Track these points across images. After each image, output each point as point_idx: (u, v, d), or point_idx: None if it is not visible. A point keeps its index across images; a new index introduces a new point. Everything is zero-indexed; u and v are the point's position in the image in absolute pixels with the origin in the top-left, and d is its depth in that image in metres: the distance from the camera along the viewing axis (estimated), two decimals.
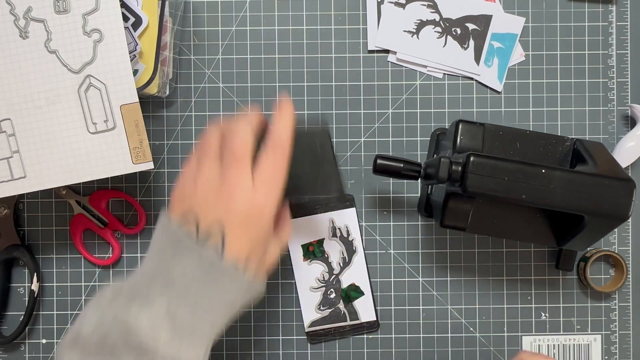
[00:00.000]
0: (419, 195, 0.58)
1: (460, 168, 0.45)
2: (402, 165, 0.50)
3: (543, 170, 0.44)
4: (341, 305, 0.55)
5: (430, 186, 0.56)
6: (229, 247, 0.40)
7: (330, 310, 0.55)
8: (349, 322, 0.55)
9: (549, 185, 0.44)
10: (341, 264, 0.55)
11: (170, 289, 0.40)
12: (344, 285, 0.56)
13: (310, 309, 0.55)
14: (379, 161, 0.50)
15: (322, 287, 0.55)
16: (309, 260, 0.55)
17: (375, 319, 0.56)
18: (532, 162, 0.45)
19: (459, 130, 0.49)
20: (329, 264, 0.55)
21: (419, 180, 0.57)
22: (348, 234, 0.56)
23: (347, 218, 0.56)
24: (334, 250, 0.56)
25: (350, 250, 0.56)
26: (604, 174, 0.45)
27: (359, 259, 0.56)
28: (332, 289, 0.55)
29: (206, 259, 0.40)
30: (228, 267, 0.40)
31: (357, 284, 0.56)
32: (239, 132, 0.43)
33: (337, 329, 0.56)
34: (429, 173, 0.48)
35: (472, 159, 0.44)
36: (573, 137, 0.52)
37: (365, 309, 0.56)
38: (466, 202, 0.48)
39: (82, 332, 0.40)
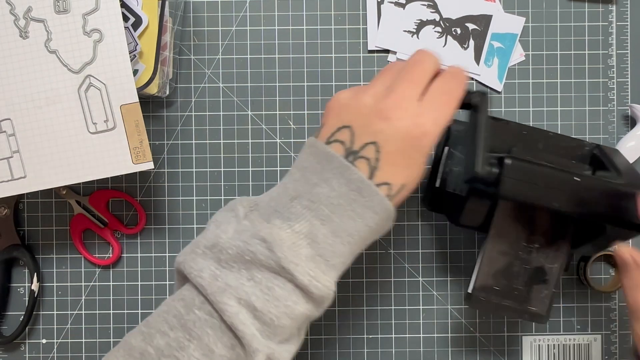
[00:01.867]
0: (418, 193, 0.58)
1: (496, 170, 0.43)
2: None
3: (578, 179, 0.43)
4: (519, 283, 0.48)
5: (438, 178, 0.54)
6: (381, 169, 0.38)
7: (505, 283, 0.47)
8: (516, 304, 0.47)
9: (580, 194, 0.43)
10: (543, 244, 0.48)
11: (315, 210, 0.38)
12: (534, 265, 0.48)
13: (487, 272, 0.47)
14: None
15: (510, 253, 0.48)
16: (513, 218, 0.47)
17: (545, 313, 0.48)
18: (561, 167, 0.44)
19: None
20: (531, 232, 0.48)
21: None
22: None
23: None
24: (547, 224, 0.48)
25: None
26: (631, 184, 0.44)
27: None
28: (518, 262, 0.48)
29: (356, 182, 0.37)
30: (377, 193, 0.38)
31: (546, 270, 0.48)
32: (424, 61, 0.40)
33: (501, 306, 0.48)
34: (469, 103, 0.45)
35: (509, 162, 0.43)
36: (592, 142, 0.51)
37: (540, 299, 0.48)
38: (485, 202, 0.48)
39: (219, 243, 0.38)
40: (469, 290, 0.47)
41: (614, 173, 0.47)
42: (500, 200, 0.47)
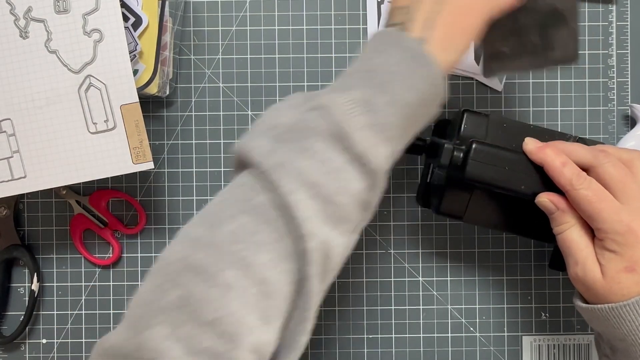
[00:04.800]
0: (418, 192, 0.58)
1: (462, 154, 0.45)
2: None
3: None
4: (532, 34, 0.44)
5: (430, 174, 0.56)
6: (438, 26, 0.38)
7: (516, 40, 0.44)
8: (534, 58, 0.44)
9: (548, 177, 0.44)
10: None
11: (371, 78, 0.37)
12: (544, 10, 0.44)
13: (493, 39, 0.43)
14: None
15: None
16: None
17: (573, 52, 0.44)
18: None
19: (464, 119, 0.50)
20: None
21: (421, 157, 0.57)
22: None
23: None
24: None
25: None
26: None
27: None
28: (525, 13, 0.43)
29: (411, 50, 0.37)
30: (430, 63, 0.37)
31: (560, 9, 0.44)
32: None
33: (520, 65, 0.45)
34: (433, 144, 0.48)
35: (474, 146, 0.44)
36: (576, 135, 0.52)
37: (562, 40, 0.44)
38: (464, 190, 0.49)
39: (277, 120, 0.37)
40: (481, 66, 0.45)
41: None
42: (470, 185, 0.47)
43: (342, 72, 0.40)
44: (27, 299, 0.57)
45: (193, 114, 0.58)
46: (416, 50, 0.38)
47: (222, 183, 0.57)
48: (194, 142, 0.58)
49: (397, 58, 0.37)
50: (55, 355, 0.58)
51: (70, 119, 0.49)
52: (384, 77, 0.37)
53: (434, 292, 0.58)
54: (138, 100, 0.49)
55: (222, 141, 0.58)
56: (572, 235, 0.42)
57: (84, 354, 0.58)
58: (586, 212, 0.41)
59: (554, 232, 0.43)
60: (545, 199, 0.43)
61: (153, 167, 0.50)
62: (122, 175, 0.55)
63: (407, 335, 0.58)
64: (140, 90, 0.50)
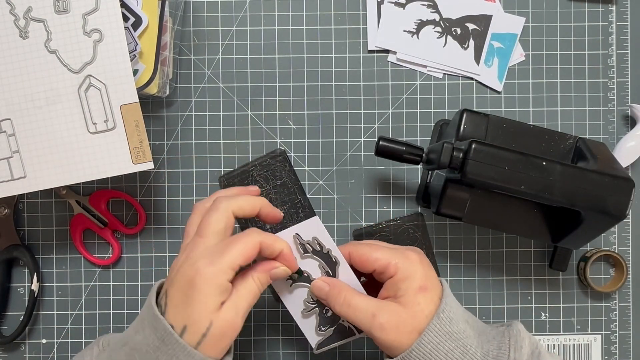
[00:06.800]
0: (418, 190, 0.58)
1: (461, 154, 0.45)
2: (404, 148, 0.50)
3: (544, 163, 0.44)
4: (343, 321, 0.48)
5: (429, 174, 0.56)
6: (167, 312, 0.42)
7: (332, 328, 0.48)
8: (357, 335, 0.48)
9: (548, 177, 0.44)
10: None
11: (131, 356, 0.42)
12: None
13: (311, 333, 0.48)
14: (381, 143, 0.50)
15: (314, 307, 0.47)
16: (290, 284, 0.47)
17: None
18: (533, 154, 0.45)
19: (463, 119, 0.49)
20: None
21: (420, 166, 0.57)
22: (320, 247, 0.46)
23: (311, 229, 0.46)
24: (313, 268, 0.47)
25: (330, 262, 0.46)
26: (604, 171, 0.45)
27: (342, 268, 0.46)
28: (326, 307, 0.47)
29: (160, 331, 0.41)
30: (178, 342, 0.41)
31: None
32: (211, 211, 0.44)
33: (349, 344, 0.52)
34: (431, 158, 0.48)
35: (474, 145, 0.44)
36: (576, 135, 0.52)
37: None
38: (464, 190, 0.49)
39: None
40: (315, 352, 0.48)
41: (592, 162, 0.47)
42: (470, 185, 0.47)
43: (130, 327, 0.45)
44: (27, 299, 0.57)
45: (193, 114, 0.58)
46: (165, 332, 0.41)
47: None
48: (193, 142, 0.58)
49: (150, 339, 0.41)
50: (55, 355, 0.58)
51: (70, 119, 0.49)
52: (138, 356, 0.42)
53: None
54: (138, 100, 0.49)
55: (222, 141, 0.58)
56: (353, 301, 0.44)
57: None
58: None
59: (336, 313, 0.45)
60: (321, 285, 0.46)
61: (153, 167, 0.50)
62: (122, 175, 0.55)
63: None
64: (140, 90, 0.50)
